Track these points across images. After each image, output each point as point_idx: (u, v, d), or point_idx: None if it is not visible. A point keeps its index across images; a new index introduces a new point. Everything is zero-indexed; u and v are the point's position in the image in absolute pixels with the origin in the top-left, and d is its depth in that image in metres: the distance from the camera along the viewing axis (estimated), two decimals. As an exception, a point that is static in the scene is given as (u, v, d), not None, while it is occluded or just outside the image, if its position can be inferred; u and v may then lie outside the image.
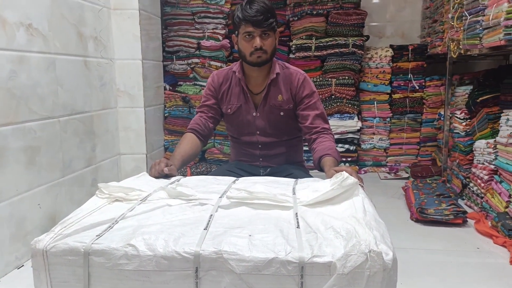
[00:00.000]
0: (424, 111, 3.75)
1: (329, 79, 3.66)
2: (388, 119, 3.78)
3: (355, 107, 3.70)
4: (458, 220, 2.40)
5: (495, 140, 2.49)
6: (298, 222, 1.03)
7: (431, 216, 2.42)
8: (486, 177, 2.53)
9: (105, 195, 1.22)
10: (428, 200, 2.54)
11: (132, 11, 2.97)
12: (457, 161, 3.03)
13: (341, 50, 3.65)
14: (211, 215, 1.08)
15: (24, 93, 2.05)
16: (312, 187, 1.27)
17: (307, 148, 1.88)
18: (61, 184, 2.36)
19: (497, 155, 2.45)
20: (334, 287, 0.86)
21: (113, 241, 0.95)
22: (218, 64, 3.77)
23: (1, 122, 1.91)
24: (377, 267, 0.86)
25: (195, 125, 1.84)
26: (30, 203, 2.10)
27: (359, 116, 3.76)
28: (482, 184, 2.56)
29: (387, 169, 3.79)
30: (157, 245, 0.93)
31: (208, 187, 1.34)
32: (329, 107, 3.67)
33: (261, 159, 1.92)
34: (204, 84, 3.62)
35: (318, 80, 3.67)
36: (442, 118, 3.39)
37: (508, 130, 2.37)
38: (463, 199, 2.83)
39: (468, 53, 2.71)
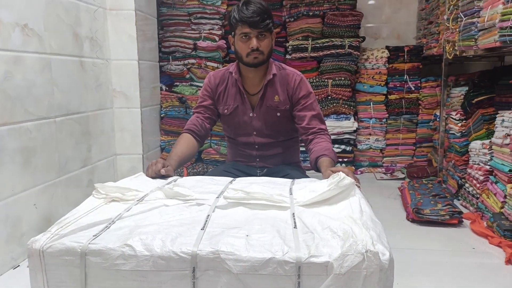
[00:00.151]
0: (420, 112, 3.76)
1: (326, 80, 3.67)
2: (384, 120, 3.79)
3: (351, 108, 3.71)
4: (453, 220, 2.41)
5: (490, 141, 2.50)
6: (295, 222, 1.03)
7: (427, 217, 2.43)
8: (481, 178, 2.54)
9: (102, 195, 1.22)
10: (424, 200, 2.55)
11: (128, 11, 2.96)
12: (452, 162, 3.05)
13: (337, 51, 3.66)
14: (208, 215, 1.08)
15: (20, 93, 2.04)
16: (309, 187, 1.27)
17: (303, 149, 1.89)
18: (57, 184, 2.35)
19: (493, 156, 2.46)
20: (331, 287, 0.86)
21: (110, 241, 0.95)
22: (215, 64, 3.77)
23: (-3, 123, 1.90)
24: (373, 267, 0.87)
25: (192, 125, 1.84)
26: (25, 204, 2.09)
27: (355, 117, 3.78)
28: (478, 185, 2.57)
29: (383, 169, 3.80)
30: (154, 245, 0.93)
31: (205, 187, 1.34)
32: (326, 108, 3.68)
33: (257, 159, 1.92)
34: (201, 84, 3.63)
35: (314, 81, 3.67)
36: (437, 119, 3.41)
37: (503, 131, 2.38)
38: (458, 200, 2.84)
39: (464, 54, 2.73)
